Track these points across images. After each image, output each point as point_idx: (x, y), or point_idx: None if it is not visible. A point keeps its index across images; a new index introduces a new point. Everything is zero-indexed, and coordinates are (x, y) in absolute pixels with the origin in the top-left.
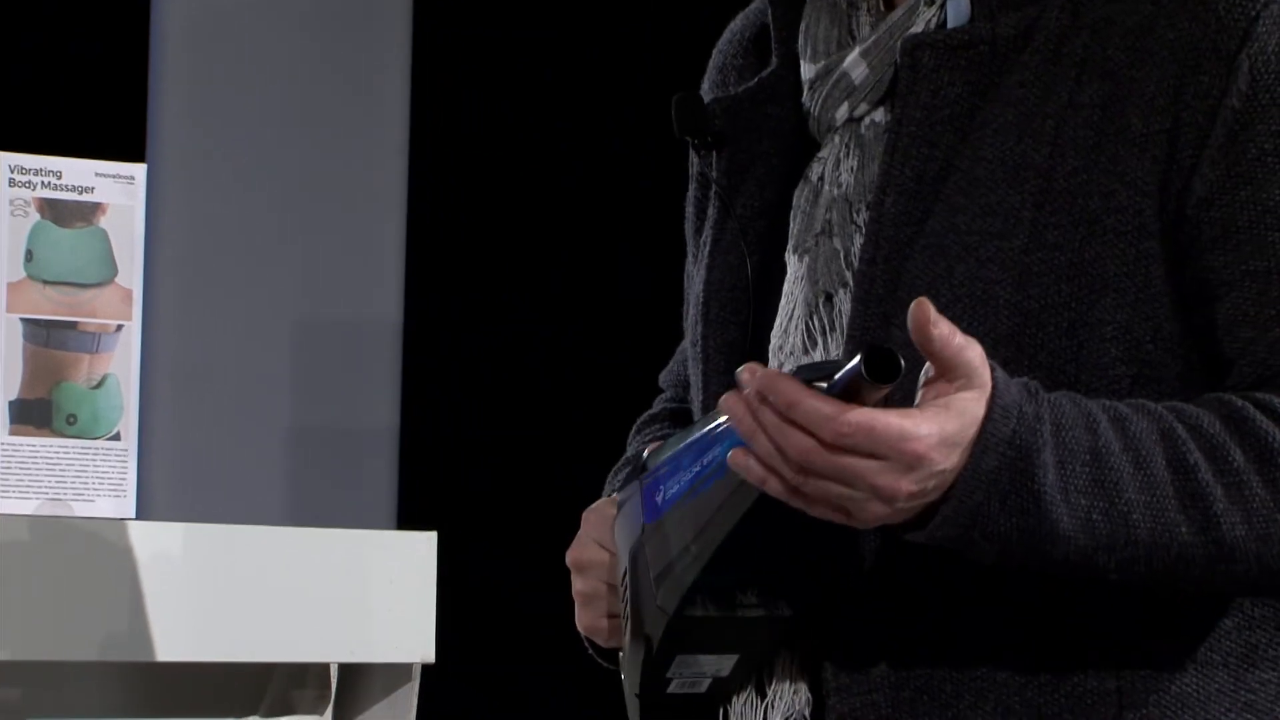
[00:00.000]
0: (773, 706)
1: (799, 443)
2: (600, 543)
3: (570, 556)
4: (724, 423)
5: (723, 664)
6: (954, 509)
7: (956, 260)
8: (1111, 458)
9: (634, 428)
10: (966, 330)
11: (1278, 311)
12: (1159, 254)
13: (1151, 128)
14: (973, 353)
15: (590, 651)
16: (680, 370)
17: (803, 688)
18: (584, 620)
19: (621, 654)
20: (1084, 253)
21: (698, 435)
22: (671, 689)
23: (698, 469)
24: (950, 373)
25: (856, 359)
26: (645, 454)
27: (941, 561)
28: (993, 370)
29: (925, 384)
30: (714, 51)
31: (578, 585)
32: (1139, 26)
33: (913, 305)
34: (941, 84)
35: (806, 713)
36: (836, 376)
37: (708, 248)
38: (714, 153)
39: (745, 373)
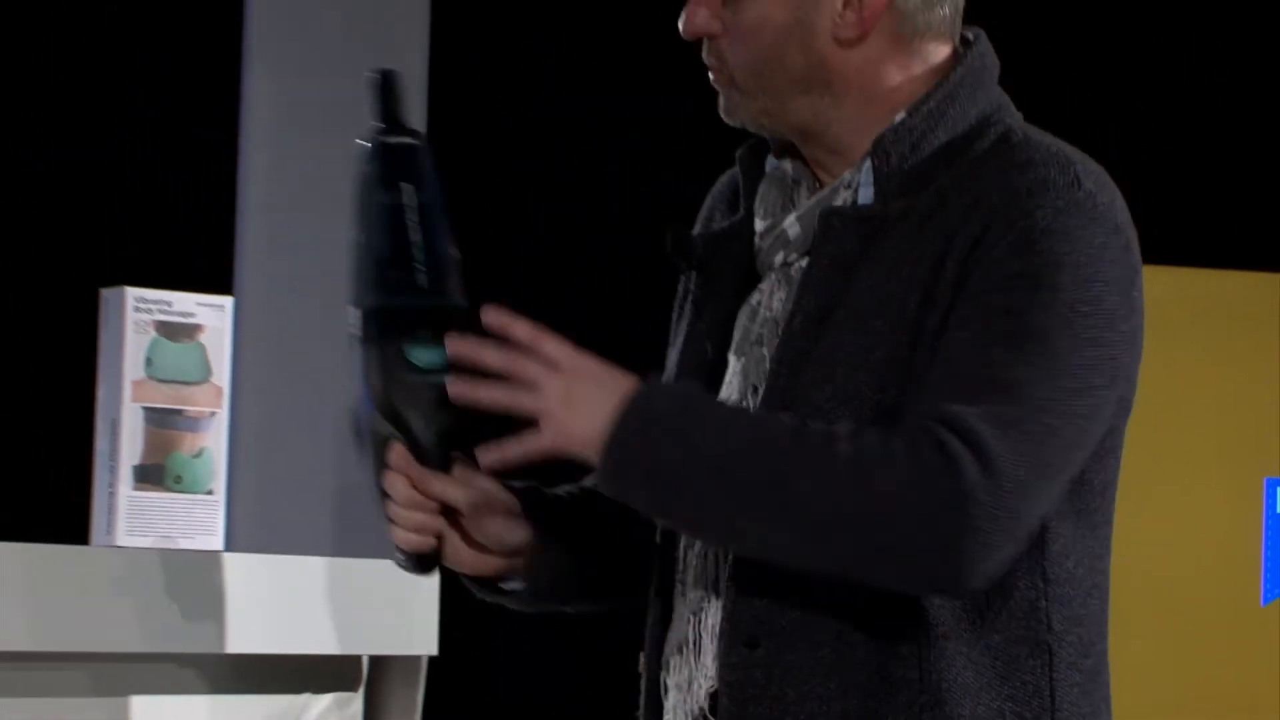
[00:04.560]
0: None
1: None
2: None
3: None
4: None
5: (434, 355)
6: (611, 436)
7: (837, 366)
8: (717, 417)
9: None
10: (838, 414)
11: (933, 382)
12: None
13: (961, 272)
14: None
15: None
16: None
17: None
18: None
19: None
20: (911, 357)
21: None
22: (409, 378)
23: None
24: None
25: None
26: None
27: (785, 586)
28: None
29: None
30: (708, 195)
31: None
32: (974, 201)
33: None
34: (843, 242)
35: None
36: None
37: (681, 339)
38: (693, 272)
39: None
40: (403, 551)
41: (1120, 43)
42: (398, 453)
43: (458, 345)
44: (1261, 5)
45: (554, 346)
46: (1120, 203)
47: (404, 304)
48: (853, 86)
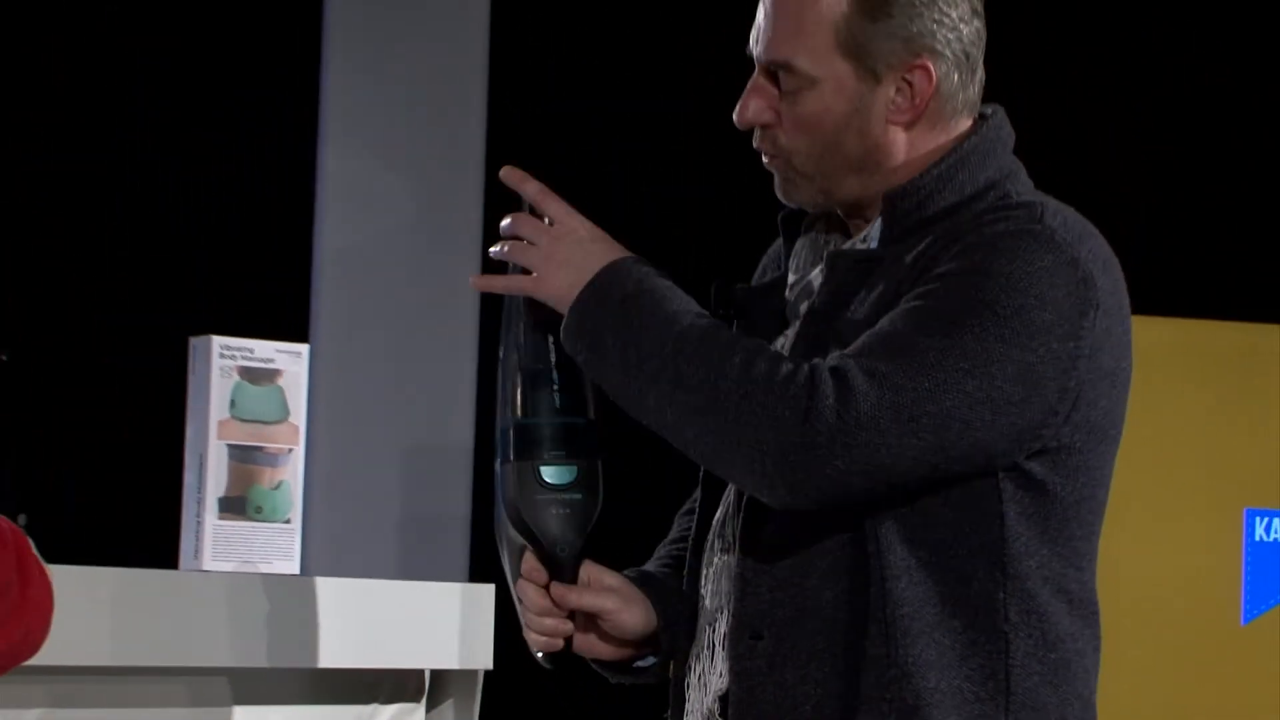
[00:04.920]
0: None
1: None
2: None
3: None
4: None
5: (567, 473)
6: (581, 294)
7: None
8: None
9: (677, 515)
10: None
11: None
12: None
13: (909, 286)
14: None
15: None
16: None
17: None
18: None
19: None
20: None
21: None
22: (540, 496)
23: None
24: None
25: None
26: None
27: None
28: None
29: None
30: (764, 255)
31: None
32: (951, 241)
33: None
34: (843, 280)
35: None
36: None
37: None
38: (735, 320)
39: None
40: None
41: (1120, 96)
42: (529, 562)
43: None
44: (1252, 64)
45: (554, 207)
46: (1092, 246)
47: (541, 423)
48: (897, 161)
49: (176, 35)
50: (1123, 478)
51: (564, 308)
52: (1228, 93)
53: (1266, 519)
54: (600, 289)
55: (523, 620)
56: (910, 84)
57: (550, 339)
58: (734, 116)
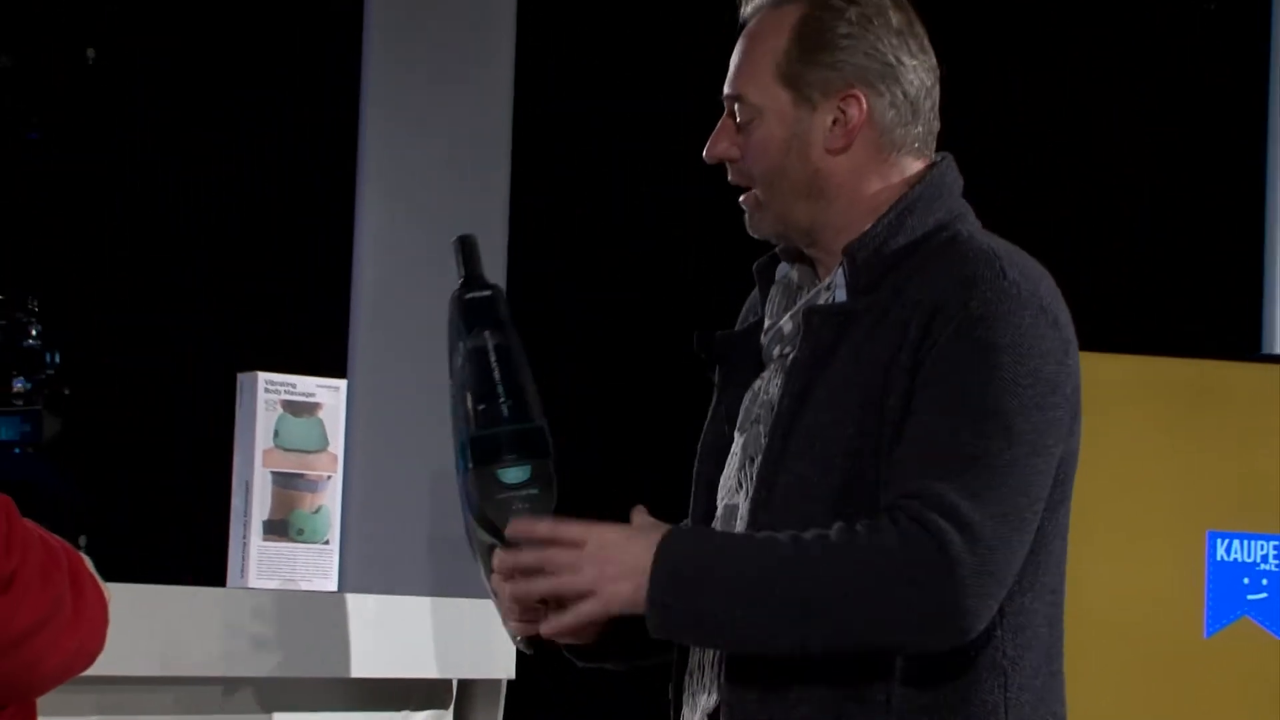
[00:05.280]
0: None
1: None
2: None
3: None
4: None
5: (521, 473)
6: (648, 595)
7: (816, 439)
8: (739, 551)
9: None
10: (815, 484)
11: (906, 459)
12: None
13: (911, 359)
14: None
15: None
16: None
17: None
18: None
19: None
20: (880, 438)
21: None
22: (501, 495)
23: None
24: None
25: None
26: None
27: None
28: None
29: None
30: (744, 304)
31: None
32: (921, 297)
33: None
34: (821, 336)
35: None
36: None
37: (709, 419)
38: (714, 367)
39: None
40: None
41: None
42: (499, 558)
43: (516, 538)
44: (1205, 105)
45: (574, 530)
46: (1046, 286)
47: (493, 433)
48: (843, 191)
49: (222, 80)
50: (1095, 504)
51: (639, 609)
52: (1181, 135)
53: (1227, 540)
54: (667, 578)
55: (500, 612)
56: (844, 112)
57: (492, 356)
58: (704, 153)
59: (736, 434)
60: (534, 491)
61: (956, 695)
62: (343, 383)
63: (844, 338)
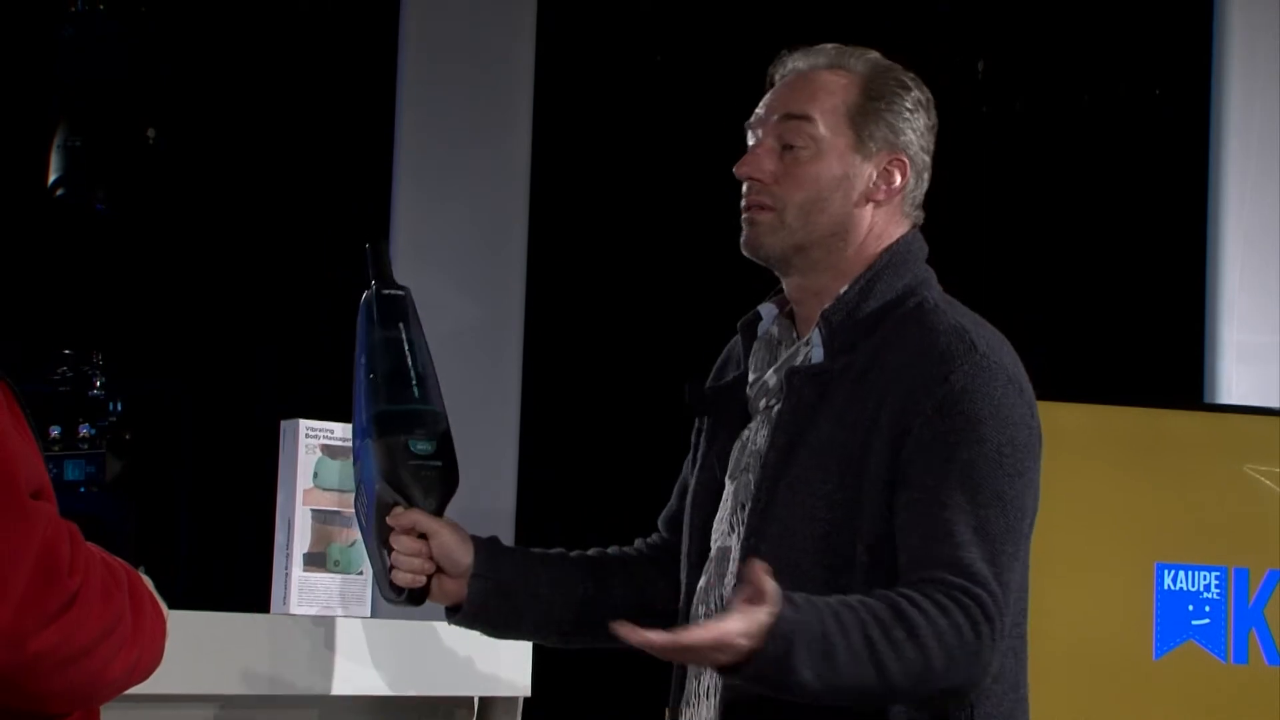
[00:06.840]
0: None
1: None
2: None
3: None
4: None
5: (428, 446)
6: (755, 668)
7: (799, 492)
8: (832, 639)
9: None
10: (800, 532)
11: (920, 529)
12: (888, 494)
13: (892, 425)
14: (769, 587)
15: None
16: (674, 513)
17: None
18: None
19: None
20: (860, 491)
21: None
22: (412, 462)
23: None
24: (759, 594)
25: None
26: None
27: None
28: (781, 599)
29: (742, 598)
30: (723, 352)
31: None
32: (899, 365)
33: (750, 566)
34: (803, 394)
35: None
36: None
37: (696, 467)
38: (705, 416)
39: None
40: (395, 588)
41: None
42: (400, 515)
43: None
44: (1161, 155)
45: (696, 635)
46: (1008, 353)
47: (403, 409)
48: (860, 239)
49: (264, 153)
50: (1054, 539)
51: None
52: (1135, 190)
53: (1174, 571)
54: (775, 658)
55: (386, 564)
56: (889, 171)
57: (405, 345)
58: (736, 169)
59: (727, 480)
60: (438, 464)
61: None
62: None
63: (825, 398)
